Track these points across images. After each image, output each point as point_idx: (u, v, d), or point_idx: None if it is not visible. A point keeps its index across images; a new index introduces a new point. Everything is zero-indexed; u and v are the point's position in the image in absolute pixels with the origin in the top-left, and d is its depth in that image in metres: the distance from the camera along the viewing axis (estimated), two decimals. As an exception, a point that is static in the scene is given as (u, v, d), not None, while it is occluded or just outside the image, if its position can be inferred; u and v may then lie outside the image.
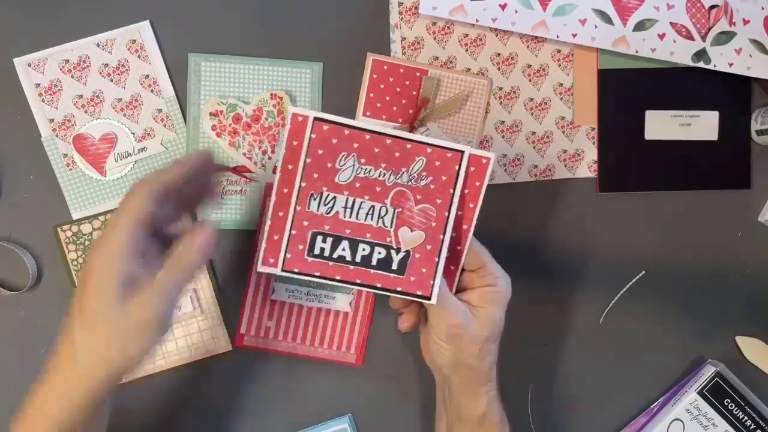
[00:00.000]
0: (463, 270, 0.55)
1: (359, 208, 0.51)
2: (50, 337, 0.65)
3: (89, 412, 0.45)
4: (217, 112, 0.65)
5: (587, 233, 0.70)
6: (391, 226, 0.52)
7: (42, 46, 0.64)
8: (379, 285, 0.52)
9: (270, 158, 0.66)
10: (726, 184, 0.71)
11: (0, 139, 0.64)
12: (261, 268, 0.52)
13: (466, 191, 0.53)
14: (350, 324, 0.68)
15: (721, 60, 0.67)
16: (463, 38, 0.67)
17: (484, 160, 0.52)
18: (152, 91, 0.65)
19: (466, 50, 0.67)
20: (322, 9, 0.66)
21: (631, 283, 0.70)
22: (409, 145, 0.51)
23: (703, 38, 0.67)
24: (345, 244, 0.52)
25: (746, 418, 0.68)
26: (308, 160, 0.50)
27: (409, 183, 0.52)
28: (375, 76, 0.66)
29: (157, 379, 0.66)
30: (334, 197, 0.51)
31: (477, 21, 0.64)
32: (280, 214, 0.51)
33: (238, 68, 0.65)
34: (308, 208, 0.51)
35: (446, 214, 0.52)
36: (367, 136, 0.50)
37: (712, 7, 0.67)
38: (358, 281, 0.52)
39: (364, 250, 0.52)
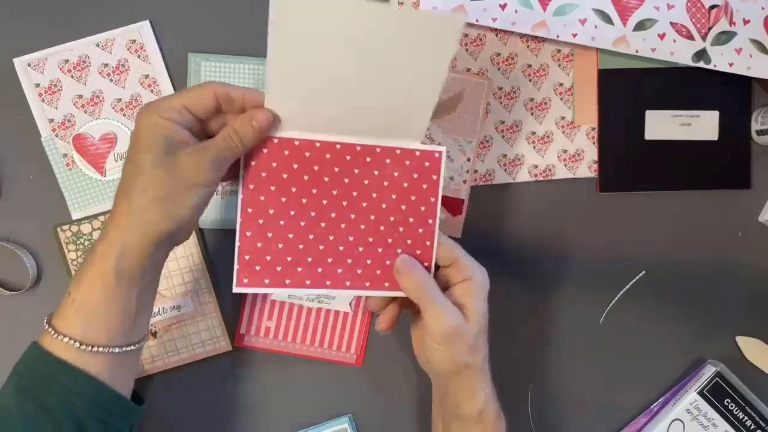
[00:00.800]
0: (438, 267, 0.56)
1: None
2: (50, 337, 0.66)
3: (146, 266, 0.47)
4: (217, 112, 0.65)
5: (587, 233, 0.70)
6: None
7: (42, 46, 0.64)
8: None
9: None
10: (726, 184, 0.71)
11: (0, 139, 0.64)
12: (237, 289, 0.52)
13: (424, 186, 0.53)
14: (350, 324, 0.68)
15: (721, 60, 0.67)
16: (463, 38, 0.67)
17: (436, 154, 0.53)
18: (152, 91, 0.65)
19: (466, 50, 0.67)
20: (322, 9, 0.66)
21: (631, 283, 0.70)
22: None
23: (704, 38, 0.67)
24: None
25: (746, 418, 0.68)
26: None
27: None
28: (375, 76, 0.66)
29: (157, 379, 0.66)
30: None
31: (477, 21, 0.64)
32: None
33: (238, 68, 0.65)
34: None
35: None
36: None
37: (713, 7, 0.67)
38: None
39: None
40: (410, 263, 0.53)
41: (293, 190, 0.51)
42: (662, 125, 0.70)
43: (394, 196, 0.53)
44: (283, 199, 0.51)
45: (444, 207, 0.67)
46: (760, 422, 0.68)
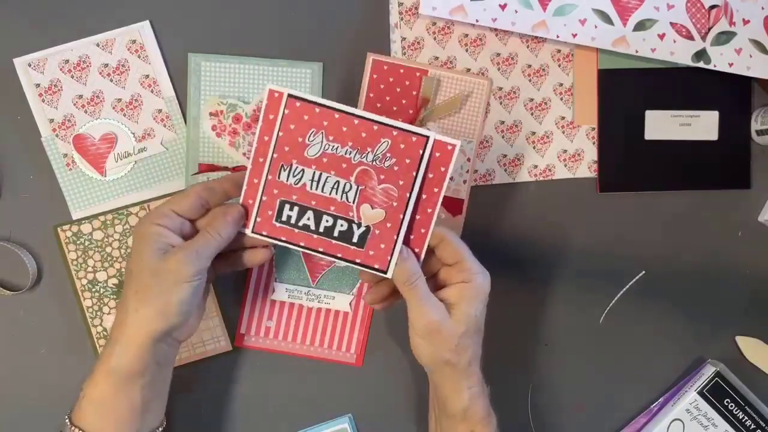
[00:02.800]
0: (443, 264, 0.56)
1: (325, 182, 0.54)
2: (50, 337, 0.66)
3: (146, 363, 0.52)
4: (217, 112, 0.65)
5: (587, 233, 0.70)
6: (353, 202, 0.54)
7: (42, 46, 0.64)
8: (339, 255, 0.55)
9: (270, 158, 0.66)
10: (726, 184, 0.71)
11: (0, 139, 0.64)
12: None
13: (431, 176, 0.54)
14: (350, 324, 0.68)
15: (721, 60, 0.67)
16: (463, 38, 0.67)
17: (449, 147, 0.53)
18: (152, 91, 0.65)
19: (466, 50, 0.67)
20: (322, 9, 0.66)
21: (631, 283, 0.70)
22: (375, 127, 0.53)
23: (703, 38, 0.67)
24: (310, 214, 0.55)
25: (746, 418, 0.68)
26: (281, 134, 0.54)
27: (374, 163, 0.54)
28: (375, 76, 0.66)
29: (157, 379, 0.66)
30: (303, 170, 0.54)
31: (477, 21, 0.64)
32: (255, 181, 0.55)
33: (238, 68, 0.65)
34: (278, 178, 0.55)
35: (407, 195, 0.54)
36: (336, 115, 0.53)
37: (712, 7, 0.67)
38: (320, 249, 0.55)
39: (327, 221, 0.55)
40: (404, 255, 0.54)
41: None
42: (662, 125, 0.70)
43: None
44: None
45: (444, 207, 0.67)
46: (760, 422, 0.68)
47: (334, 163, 0.54)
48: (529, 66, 0.68)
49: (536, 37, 0.67)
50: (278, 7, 0.66)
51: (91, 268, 0.65)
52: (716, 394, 0.68)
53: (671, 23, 0.66)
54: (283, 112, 0.53)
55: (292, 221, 0.55)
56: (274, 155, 0.54)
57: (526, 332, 0.69)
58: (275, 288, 0.66)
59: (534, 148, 0.69)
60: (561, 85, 0.69)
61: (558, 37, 0.65)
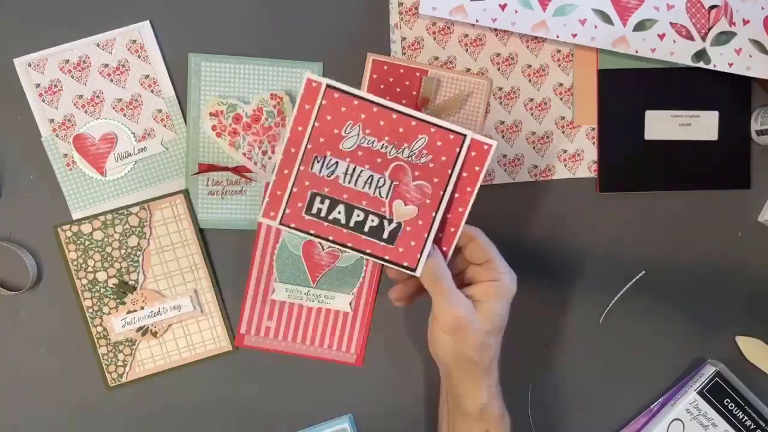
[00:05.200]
0: (470, 263, 0.56)
1: (359, 176, 0.54)
2: (50, 337, 0.66)
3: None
4: (217, 112, 0.65)
5: (587, 233, 0.70)
6: (386, 197, 0.54)
7: (42, 46, 0.64)
8: (368, 251, 0.54)
9: (270, 158, 0.66)
10: (726, 184, 0.71)
11: (0, 139, 0.64)
12: (261, 219, 0.54)
13: (465, 175, 0.54)
14: (350, 324, 0.68)
15: (721, 60, 0.67)
16: (463, 38, 0.67)
17: (485, 146, 0.53)
18: (152, 91, 0.65)
19: (466, 50, 0.67)
20: (322, 9, 0.66)
21: (631, 283, 0.70)
22: (413, 123, 0.53)
23: (703, 38, 0.67)
24: (341, 207, 0.54)
25: (746, 418, 0.68)
26: (317, 124, 0.53)
27: (409, 159, 0.53)
28: (375, 76, 0.66)
29: (157, 378, 0.66)
30: (336, 162, 0.53)
31: (477, 21, 0.64)
32: (285, 171, 0.54)
33: (238, 68, 0.65)
34: (311, 170, 0.53)
35: (441, 193, 0.54)
36: (375, 109, 0.52)
37: (712, 7, 0.67)
38: (349, 244, 0.54)
39: (358, 216, 0.54)
40: (432, 252, 0.54)
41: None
42: (662, 125, 0.70)
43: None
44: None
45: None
46: (760, 422, 0.68)
47: (369, 157, 0.53)
48: (529, 66, 0.68)
49: (536, 37, 0.67)
50: (278, 7, 0.66)
51: (91, 268, 0.65)
52: (716, 394, 0.68)
53: (671, 23, 0.67)
54: (321, 102, 0.52)
55: (322, 214, 0.54)
56: (308, 146, 0.53)
57: (526, 332, 0.69)
58: (275, 288, 0.66)
59: (534, 148, 0.69)
60: (561, 85, 0.69)
61: (558, 37, 0.65)
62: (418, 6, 0.65)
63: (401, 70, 0.66)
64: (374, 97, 0.52)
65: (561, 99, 0.69)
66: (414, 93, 0.66)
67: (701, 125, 0.70)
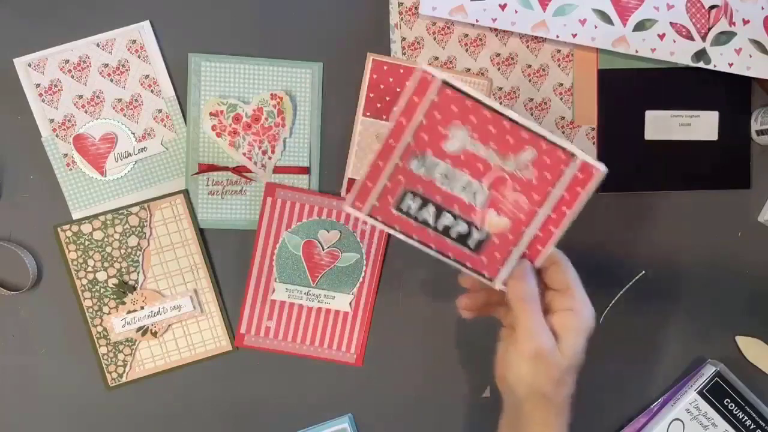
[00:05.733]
0: (548, 289, 0.54)
1: (456, 180, 0.51)
2: (50, 337, 0.66)
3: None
4: (218, 112, 0.65)
5: (587, 233, 0.70)
6: (480, 206, 0.52)
7: (42, 46, 0.64)
8: (451, 255, 0.52)
9: (270, 158, 0.66)
10: (726, 184, 0.71)
11: (0, 139, 0.64)
12: (347, 209, 0.52)
13: (566, 195, 0.51)
14: (350, 324, 0.68)
15: (721, 60, 0.67)
16: (463, 38, 0.67)
17: (594, 171, 0.51)
18: (152, 92, 0.65)
19: (466, 50, 0.67)
20: (322, 9, 0.66)
21: (631, 283, 0.70)
22: (525, 134, 0.50)
23: (703, 38, 0.67)
24: (431, 209, 0.52)
25: (746, 418, 0.68)
26: (423, 121, 0.50)
27: (513, 170, 0.51)
28: (375, 76, 0.66)
29: (157, 378, 0.66)
30: (437, 163, 0.51)
31: (477, 21, 0.64)
32: (380, 163, 0.51)
33: (238, 68, 0.65)
34: (408, 166, 0.51)
35: (537, 210, 0.51)
36: (487, 113, 0.50)
37: (712, 7, 0.67)
38: (432, 246, 0.52)
39: (447, 219, 0.52)
40: (528, 272, 0.51)
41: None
42: (662, 125, 0.70)
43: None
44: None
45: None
46: (760, 422, 0.68)
47: (471, 162, 0.51)
48: (529, 66, 0.68)
49: (536, 37, 0.67)
50: (278, 7, 0.66)
51: (91, 268, 0.65)
52: (716, 394, 0.68)
53: (671, 23, 0.67)
54: (432, 98, 0.50)
55: (412, 212, 0.52)
56: (410, 141, 0.50)
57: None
58: (275, 288, 0.66)
59: (534, 148, 0.69)
60: (561, 85, 0.69)
61: (558, 37, 0.65)
62: (418, 6, 0.65)
63: (401, 70, 0.66)
64: (490, 101, 0.50)
65: (561, 99, 0.69)
66: (414, 93, 0.66)
67: (701, 125, 0.70)
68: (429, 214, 0.52)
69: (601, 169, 0.50)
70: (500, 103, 0.68)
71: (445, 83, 0.49)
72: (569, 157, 0.50)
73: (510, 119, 0.50)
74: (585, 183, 0.51)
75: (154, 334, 0.66)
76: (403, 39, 0.66)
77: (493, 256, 0.52)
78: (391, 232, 0.52)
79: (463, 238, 0.52)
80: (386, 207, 0.52)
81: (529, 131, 0.50)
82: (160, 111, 0.65)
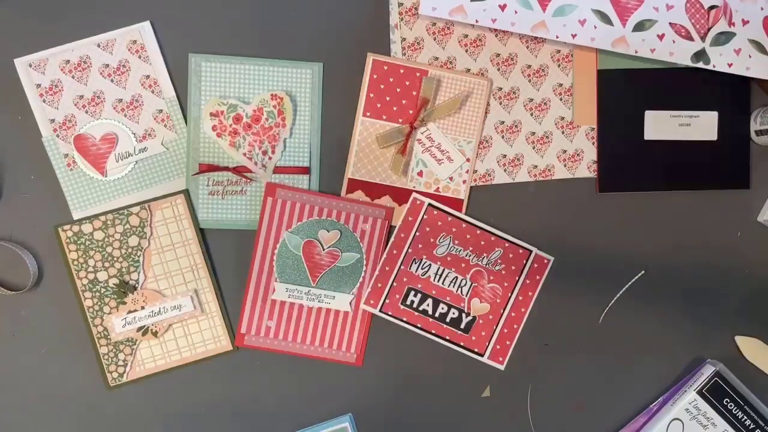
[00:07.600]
0: None
1: (446, 277, 0.67)
2: (50, 337, 0.66)
3: None
4: (218, 112, 0.65)
5: (587, 233, 0.70)
6: (466, 295, 0.67)
7: (42, 46, 0.64)
8: (448, 337, 0.67)
9: (270, 158, 0.66)
10: (725, 185, 0.71)
11: (0, 139, 0.65)
12: (363, 306, 0.67)
13: (528, 281, 0.68)
14: (350, 324, 0.68)
15: (721, 60, 0.68)
16: (463, 39, 0.67)
17: (545, 261, 0.68)
18: (153, 92, 0.65)
19: (466, 51, 0.67)
20: (322, 9, 0.67)
21: (630, 283, 0.71)
22: (492, 238, 0.67)
23: (703, 38, 0.67)
24: (429, 301, 0.67)
25: (745, 417, 0.68)
26: (417, 233, 0.67)
27: (487, 266, 0.67)
28: (375, 76, 0.66)
29: (157, 378, 0.67)
30: (430, 264, 0.67)
31: (477, 21, 0.64)
32: (387, 268, 0.67)
33: (239, 68, 0.65)
34: (409, 268, 0.67)
35: (509, 295, 0.68)
36: (464, 225, 0.67)
37: (712, 7, 0.67)
38: (433, 331, 0.67)
39: (442, 309, 0.67)
40: None
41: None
42: (662, 125, 0.70)
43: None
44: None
45: (442, 206, 0.67)
46: (759, 422, 0.68)
47: (456, 262, 0.67)
48: (529, 66, 0.68)
49: (536, 38, 0.67)
50: (278, 7, 0.66)
51: (91, 268, 0.65)
52: (716, 394, 0.68)
53: (671, 23, 0.67)
54: (423, 216, 0.66)
55: (415, 305, 0.67)
56: (409, 250, 0.66)
57: (526, 332, 0.69)
58: (275, 288, 0.66)
59: (534, 148, 0.69)
60: (560, 85, 0.69)
61: (557, 37, 0.66)
62: (418, 6, 0.65)
63: (401, 70, 0.66)
64: (465, 216, 0.67)
65: (561, 99, 0.69)
66: (414, 93, 0.66)
67: (701, 125, 0.70)
68: (428, 305, 0.67)
69: (551, 258, 0.68)
70: (500, 103, 0.68)
71: (431, 205, 0.66)
72: (527, 252, 0.68)
73: (480, 228, 0.67)
74: (541, 271, 0.68)
75: (155, 334, 0.66)
76: (403, 39, 0.66)
77: (480, 334, 0.68)
78: (400, 323, 0.67)
79: (455, 322, 0.68)
80: (395, 303, 0.67)
81: (495, 236, 0.67)
82: (160, 111, 0.65)
